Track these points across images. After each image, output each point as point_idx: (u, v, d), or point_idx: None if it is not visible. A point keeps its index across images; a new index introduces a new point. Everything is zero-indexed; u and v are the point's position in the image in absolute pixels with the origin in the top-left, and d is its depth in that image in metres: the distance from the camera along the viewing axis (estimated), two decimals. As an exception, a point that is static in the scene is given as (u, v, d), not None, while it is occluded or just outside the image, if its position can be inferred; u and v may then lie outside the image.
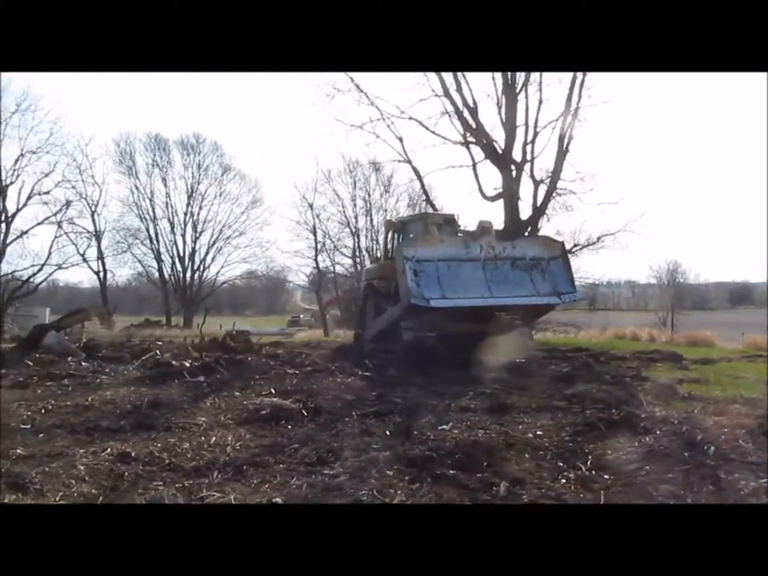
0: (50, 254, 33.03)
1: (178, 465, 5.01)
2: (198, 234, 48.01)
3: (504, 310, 11.85)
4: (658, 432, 5.83)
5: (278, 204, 51.00)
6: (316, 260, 37.38)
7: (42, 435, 5.91)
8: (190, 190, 47.35)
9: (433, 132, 21.31)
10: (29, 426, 6.24)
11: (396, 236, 14.98)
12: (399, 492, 4.30)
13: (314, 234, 37.49)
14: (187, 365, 8.96)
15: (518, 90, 20.66)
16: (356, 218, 46.95)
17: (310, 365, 9.72)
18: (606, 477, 4.77)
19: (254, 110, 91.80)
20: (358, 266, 47.66)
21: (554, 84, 20.68)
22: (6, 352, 10.76)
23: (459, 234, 13.62)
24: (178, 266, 47.94)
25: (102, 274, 45.19)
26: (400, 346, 11.75)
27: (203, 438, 5.82)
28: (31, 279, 32.86)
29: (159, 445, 5.63)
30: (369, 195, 46.06)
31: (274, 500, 4.14)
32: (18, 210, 32.10)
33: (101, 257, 44.00)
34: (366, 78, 21.05)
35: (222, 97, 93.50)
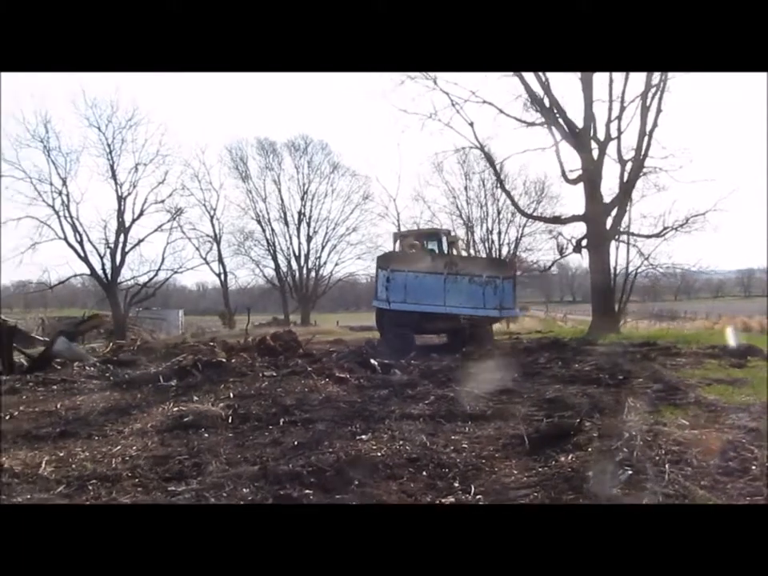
0: (163, 259, 35.09)
1: (43, 477, 4.86)
2: (311, 233, 49.17)
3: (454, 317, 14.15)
4: (588, 449, 4.93)
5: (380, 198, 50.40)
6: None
7: (-25, 442, 6.03)
8: (301, 190, 48.58)
9: (506, 114, 20.21)
10: (-27, 433, 6.40)
11: (398, 245, 17.84)
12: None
13: (398, 227, 37.12)
14: (162, 369, 8.92)
15: (595, 65, 19.05)
16: (469, 209, 46.29)
17: (292, 366, 9.37)
18: (481, 504, 4.07)
19: (353, 107, 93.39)
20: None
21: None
22: (33, 358, 11.29)
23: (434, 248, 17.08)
24: (294, 266, 49.37)
25: (222, 276, 47.74)
26: (385, 336, 14.39)
27: (108, 448, 5.66)
28: (148, 284, 35.02)
29: (61, 454, 5.55)
30: (483, 185, 45.14)
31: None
32: (135, 219, 34.37)
33: (220, 259, 46.44)
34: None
35: (324, 97, 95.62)
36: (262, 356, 11.81)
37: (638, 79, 18.66)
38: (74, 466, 5.19)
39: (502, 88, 41.61)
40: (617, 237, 19.31)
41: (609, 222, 19.13)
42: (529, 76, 19.25)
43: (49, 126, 33.28)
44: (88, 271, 34.15)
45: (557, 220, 20.09)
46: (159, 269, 34.75)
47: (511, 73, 19.32)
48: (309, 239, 49.10)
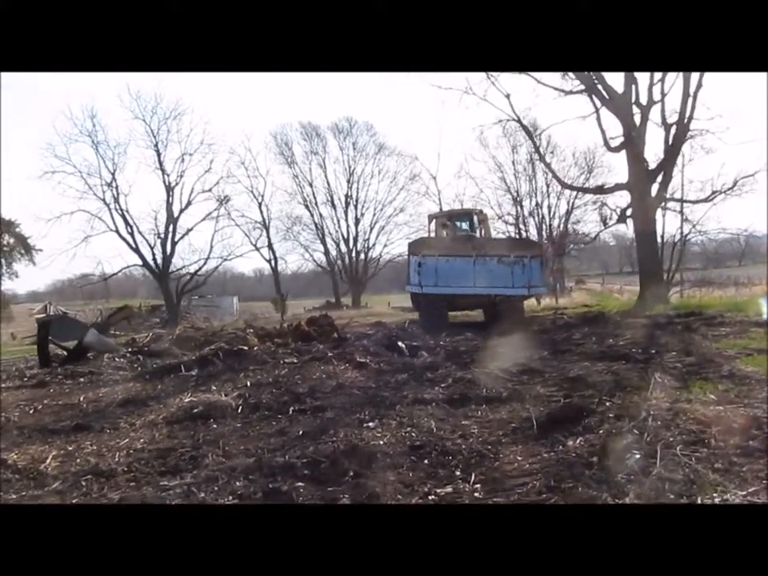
0: (211, 247, 35.62)
1: (43, 473, 4.87)
2: (359, 216, 49.09)
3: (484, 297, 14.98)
4: (600, 432, 4.63)
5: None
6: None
7: (-10, 437, 6.12)
8: (347, 173, 48.49)
9: (543, 83, 19.46)
10: (-8, 428, 6.50)
11: (432, 225, 18.84)
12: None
13: (439, 206, 36.79)
14: (188, 359, 8.94)
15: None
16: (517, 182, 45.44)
17: (315, 352, 9.23)
18: (476, 494, 3.88)
19: (391, 86, 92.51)
20: (523, 234, 46.05)
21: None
22: (68, 351, 11.51)
23: (467, 227, 17.87)
24: (343, 248, 49.42)
25: (273, 262, 48.17)
26: (421, 317, 15.36)
27: (116, 441, 5.66)
28: (199, 272, 35.61)
29: (70, 448, 5.59)
30: (530, 157, 44.16)
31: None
32: (183, 209, 34.98)
33: (270, 245, 46.84)
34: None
35: (363, 76, 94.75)
36: (296, 341, 11.76)
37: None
38: (78, 460, 5.20)
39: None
40: (663, 204, 18.45)
41: (654, 189, 18.28)
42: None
43: (95, 121, 34.12)
44: (140, 262, 34.98)
45: (600, 190, 19.31)
46: (208, 257, 35.31)
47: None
48: (357, 222, 49.07)
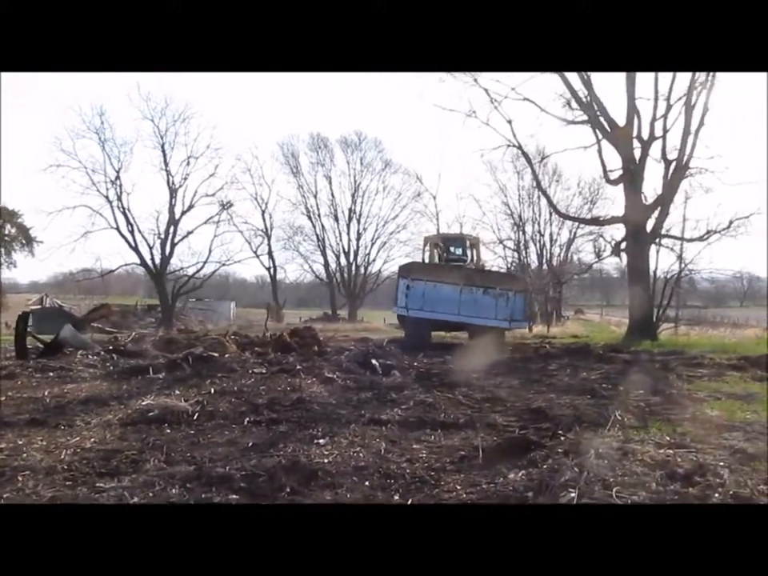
0: (210, 251, 35.67)
1: (-14, 468, 4.83)
2: (361, 230, 49.12)
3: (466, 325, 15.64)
4: (543, 467, 4.58)
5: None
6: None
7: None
8: (353, 187, 48.58)
9: (547, 112, 19.53)
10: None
11: (427, 248, 19.85)
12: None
13: (437, 224, 36.97)
14: (159, 361, 8.92)
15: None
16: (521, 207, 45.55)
17: (285, 364, 9.19)
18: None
19: (398, 105, 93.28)
20: (523, 259, 46.06)
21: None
22: (45, 344, 11.46)
23: (460, 251, 18.60)
24: (343, 261, 49.38)
25: (272, 270, 48.18)
26: (405, 336, 15.92)
27: (66, 439, 5.62)
28: (196, 275, 35.63)
29: (20, 442, 5.53)
30: (535, 184, 44.17)
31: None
32: (185, 211, 35.08)
33: (270, 253, 46.89)
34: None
35: (372, 93, 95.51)
36: (276, 352, 11.74)
37: (684, 77, 17.76)
38: (24, 455, 5.14)
39: (544, 85, 40.66)
40: (657, 240, 18.44)
41: (650, 224, 18.30)
42: (570, 73, 18.54)
43: (104, 118, 34.29)
44: (138, 261, 35.01)
45: (596, 221, 19.34)
46: (207, 260, 35.36)
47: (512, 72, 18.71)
48: (358, 236, 49.08)
